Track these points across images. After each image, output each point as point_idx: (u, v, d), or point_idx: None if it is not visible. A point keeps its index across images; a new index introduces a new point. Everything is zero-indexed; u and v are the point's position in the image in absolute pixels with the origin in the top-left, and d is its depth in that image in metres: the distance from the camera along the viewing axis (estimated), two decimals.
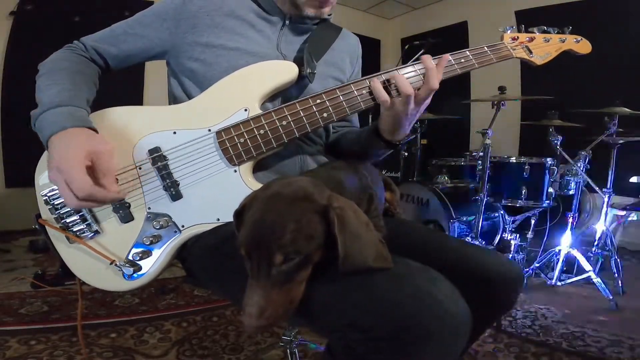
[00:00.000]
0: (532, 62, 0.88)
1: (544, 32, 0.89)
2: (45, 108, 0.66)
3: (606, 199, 2.07)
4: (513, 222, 2.28)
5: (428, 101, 0.75)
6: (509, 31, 0.87)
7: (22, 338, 1.33)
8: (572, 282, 1.96)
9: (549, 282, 1.98)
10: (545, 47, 0.88)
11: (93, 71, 0.79)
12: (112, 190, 0.64)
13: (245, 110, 0.72)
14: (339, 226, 0.48)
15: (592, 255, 2.10)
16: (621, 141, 2.00)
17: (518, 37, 0.87)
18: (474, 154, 2.49)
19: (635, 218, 2.43)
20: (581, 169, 2.03)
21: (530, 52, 0.87)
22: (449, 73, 0.78)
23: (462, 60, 0.79)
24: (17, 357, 1.21)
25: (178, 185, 0.71)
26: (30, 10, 2.70)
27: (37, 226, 0.71)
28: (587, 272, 1.87)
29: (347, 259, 0.48)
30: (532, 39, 0.87)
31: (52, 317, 1.51)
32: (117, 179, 0.67)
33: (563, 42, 0.89)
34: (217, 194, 0.71)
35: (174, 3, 0.79)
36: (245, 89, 0.73)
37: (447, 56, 0.76)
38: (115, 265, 0.69)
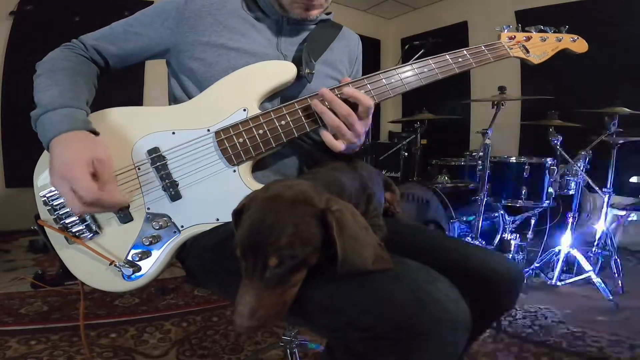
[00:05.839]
0: (529, 61, 0.88)
1: (541, 31, 0.89)
2: (46, 109, 0.66)
3: (606, 199, 2.07)
4: (513, 222, 2.28)
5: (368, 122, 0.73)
6: (506, 30, 0.87)
7: (22, 338, 1.33)
8: (572, 282, 1.96)
9: (549, 282, 1.98)
10: (542, 46, 0.88)
11: (93, 71, 0.79)
12: (117, 195, 0.65)
13: (244, 110, 0.72)
14: (338, 229, 0.48)
15: (592, 255, 2.09)
16: (621, 141, 2.00)
17: (515, 37, 0.87)
18: (473, 154, 2.49)
19: (635, 218, 2.43)
20: (581, 169, 2.03)
21: (527, 51, 0.87)
22: (448, 72, 0.78)
23: (460, 60, 0.80)
24: (17, 357, 1.21)
25: (177, 185, 0.71)
26: (30, 10, 2.70)
27: (36, 227, 0.71)
28: (587, 272, 1.87)
29: (346, 262, 0.48)
30: (529, 38, 0.88)
31: (52, 317, 1.52)
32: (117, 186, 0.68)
33: (560, 41, 0.89)
34: (216, 194, 0.71)
35: (176, 2, 0.79)
36: (244, 89, 0.73)
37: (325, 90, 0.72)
38: (115, 265, 0.68)
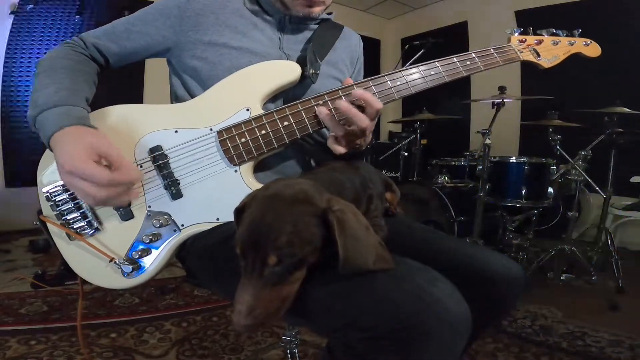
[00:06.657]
0: (539, 65, 0.85)
1: (553, 34, 0.86)
2: (43, 108, 0.65)
3: (606, 199, 2.07)
4: (513, 222, 2.28)
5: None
6: (516, 33, 0.85)
7: (22, 338, 1.33)
8: (572, 282, 1.96)
9: (549, 282, 1.98)
10: (553, 49, 0.86)
11: (93, 69, 0.78)
12: (131, 170, 0.62)
13: (247, 110, 0.72)
14: (339, 229, 0.48)
15: (592, 255, 2.10)
16: (621, 141, 2.00)
17: (526, 40, 0.85)
18: (473, 154, 2.49)
19: (635, 218, 2.43)
20: (581, 168, 2.04)
21: (538, 54, 0.85)
22: (455, 75, 0.77)
23: (468, 63, 0.78)
24: (17, 357, 1.21)
25: (178, 184, 0.71)
26: (30, 10, 2.70)
27: (38, 222, 0.71)
28: (587, 272, 1.87)
29: (347, 262, 0.48)
30: (540, 42, 0.85)
31: (52, 317, 1.51)
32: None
33: (572, 45, 0.87)
34: (217, 193, 0.71)
35: (178, 0, 0.78)
36: (248, 88, 0.73)
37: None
38: (115, 263, 0.68)
